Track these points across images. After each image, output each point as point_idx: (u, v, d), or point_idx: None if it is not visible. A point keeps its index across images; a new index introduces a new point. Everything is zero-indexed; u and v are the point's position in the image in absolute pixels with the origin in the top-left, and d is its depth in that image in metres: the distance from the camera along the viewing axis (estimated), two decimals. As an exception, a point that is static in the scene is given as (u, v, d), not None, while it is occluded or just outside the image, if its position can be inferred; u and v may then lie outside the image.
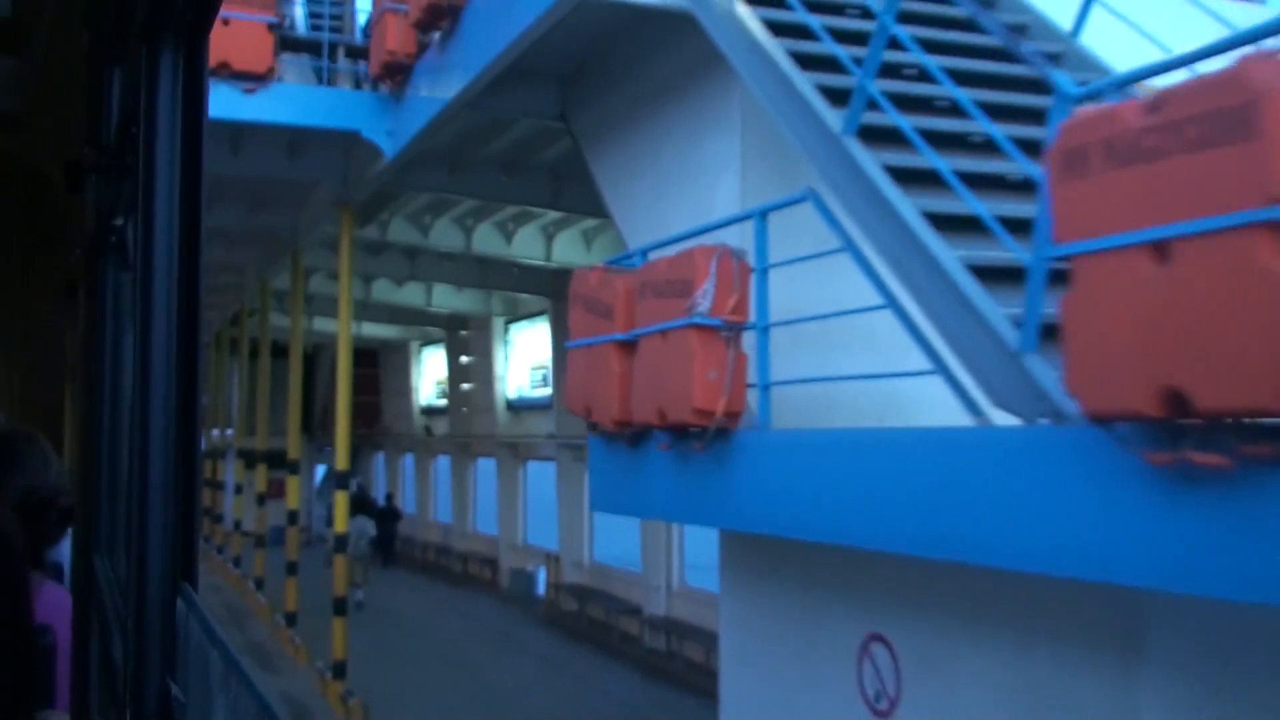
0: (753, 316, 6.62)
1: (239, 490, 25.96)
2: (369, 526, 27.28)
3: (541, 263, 19.93)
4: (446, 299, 27.07)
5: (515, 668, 18.69)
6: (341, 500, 17.43)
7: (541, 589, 24.77)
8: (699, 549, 19.63)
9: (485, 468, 30.25)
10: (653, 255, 7.78)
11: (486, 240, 19.47)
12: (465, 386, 30.78)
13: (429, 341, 34.02)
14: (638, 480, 7.66)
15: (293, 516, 19.54)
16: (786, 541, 6.89)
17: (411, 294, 26.97)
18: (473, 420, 30.51)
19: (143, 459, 2.22)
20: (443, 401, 32.52)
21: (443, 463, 33.33)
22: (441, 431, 32.23)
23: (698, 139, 8.87)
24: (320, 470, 40.63)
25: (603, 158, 10.57)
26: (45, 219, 6.28)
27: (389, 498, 34.21)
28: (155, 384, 2.23)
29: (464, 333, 30.78)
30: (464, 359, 30.79)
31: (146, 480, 2.21)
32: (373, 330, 33.80)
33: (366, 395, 39.04)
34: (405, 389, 35.29)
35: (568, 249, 19.74)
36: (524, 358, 26.37)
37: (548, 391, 24.57)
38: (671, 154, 9.31)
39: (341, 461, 17.53)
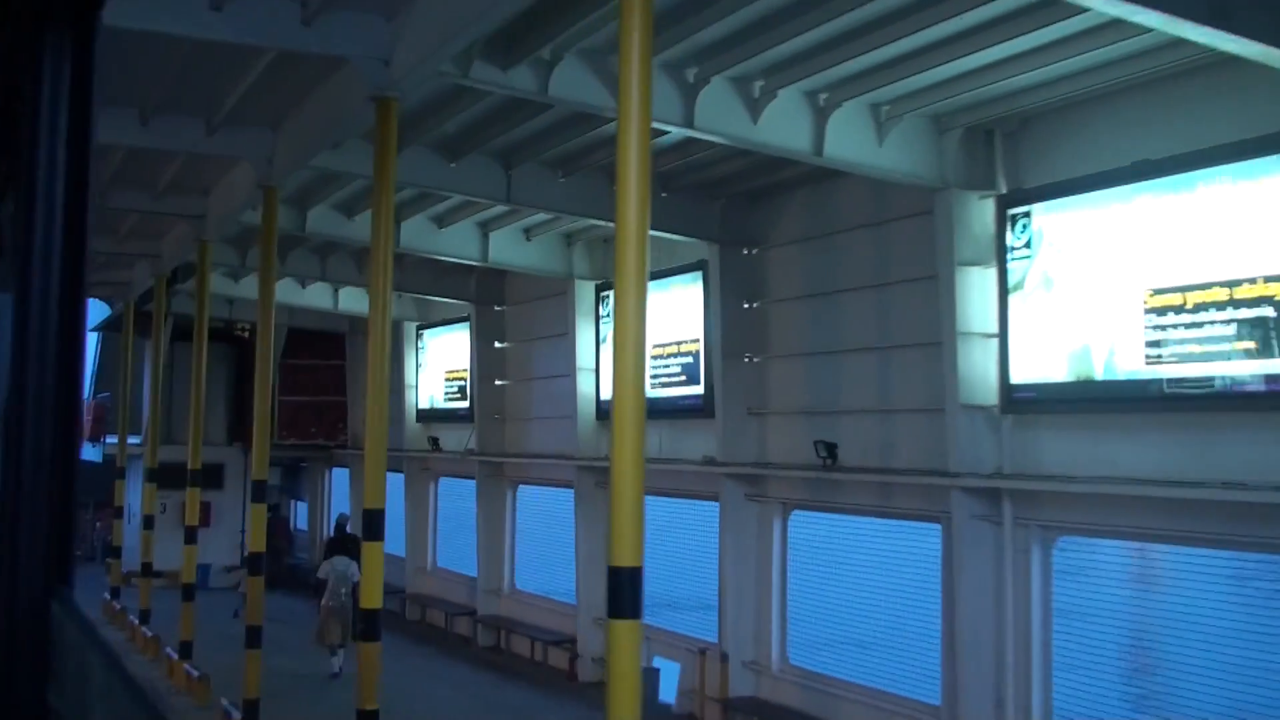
0: None
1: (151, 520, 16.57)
2: (352, 569, 18.06)
3: (743, 136, 10.96)
4: (508, 251, 18.07)
5: None
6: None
7: (671, 696, 15.91)
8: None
9: (530, 498, 21.30)
10: None
11: (669, 101, 10.48)
12: (499, 383, 21.76)
13: (433, 322, 24.78)
14: None
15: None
16: None
17: (457, 239, 17.89)
18: (510, 430, 21.51)
19: (16, 458, 2.24)
20: (458, 404, 23.38)
21: (451, 488, 24.25)
22: (455, 445, 23.02)
23: None
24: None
25: None
26: None
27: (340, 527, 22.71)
28: (30, 381, 2.26)
29: (500, 307, 21.79)
30: (499, 344, 21.78)
31: (19, 481, 2.24)
32: (348, 302, 24.48)
33: (326, 394, 29.61)
34: (396, 386, 25.98)
35: (783, 121, 10.87)
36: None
37: (696, 390, 15.69)
38: None
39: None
